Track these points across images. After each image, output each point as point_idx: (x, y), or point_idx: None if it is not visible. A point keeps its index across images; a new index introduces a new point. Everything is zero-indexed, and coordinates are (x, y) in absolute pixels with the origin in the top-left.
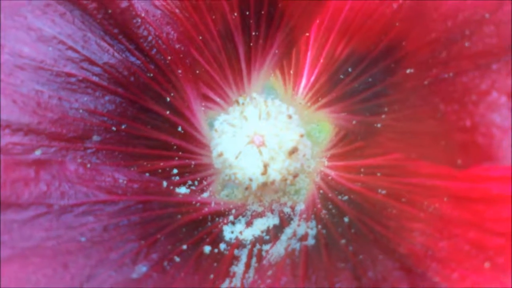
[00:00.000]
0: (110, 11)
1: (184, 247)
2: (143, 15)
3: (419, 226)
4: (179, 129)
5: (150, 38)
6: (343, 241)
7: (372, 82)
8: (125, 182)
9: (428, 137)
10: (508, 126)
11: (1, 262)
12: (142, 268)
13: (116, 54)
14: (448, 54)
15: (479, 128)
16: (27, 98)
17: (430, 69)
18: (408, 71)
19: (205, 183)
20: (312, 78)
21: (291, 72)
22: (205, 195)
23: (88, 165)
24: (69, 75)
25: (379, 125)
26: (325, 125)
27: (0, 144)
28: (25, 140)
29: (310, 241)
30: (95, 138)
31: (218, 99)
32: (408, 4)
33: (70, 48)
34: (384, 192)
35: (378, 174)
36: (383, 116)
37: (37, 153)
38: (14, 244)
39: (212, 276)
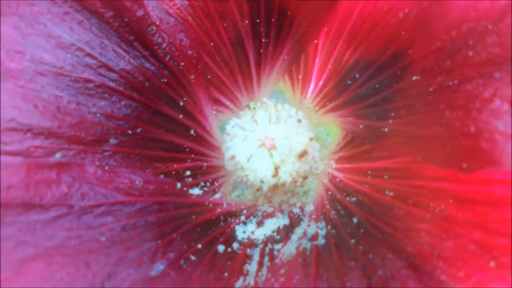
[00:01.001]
0: (126, 19)
1: (199, 246)
2: (157, 23)
3: (425, 226)
4: (192, 132)
5: (164, 45)
6: (352, 241)
7: (379, 88)
8: (141, 183)
9: (433, 142)
10: (510, 132)
11: (26, 261)
12: (160, 266)
13: (131, 60)
14: (452, 62)
15: (482, 134)
16: (47, 103)
17: (435, 77)
18: (414, 78)
19: (216, 184)
20: (320, 83)
21: (300, 77)
22: (217, 196)
23: (106, 167)
24: (87, 80)
25: (386, 130)
26: (333, 128)
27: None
28: (46, 144)
29: (320, 241)
30: (112, 141)
31: (229, 103)
32: (414, 14)
33: (88, 54)
34: (391, 194)
35: (386, 177)
36: (390, 121)
37: (58, 156)
38: (38, 244)
39: (226, 274)
